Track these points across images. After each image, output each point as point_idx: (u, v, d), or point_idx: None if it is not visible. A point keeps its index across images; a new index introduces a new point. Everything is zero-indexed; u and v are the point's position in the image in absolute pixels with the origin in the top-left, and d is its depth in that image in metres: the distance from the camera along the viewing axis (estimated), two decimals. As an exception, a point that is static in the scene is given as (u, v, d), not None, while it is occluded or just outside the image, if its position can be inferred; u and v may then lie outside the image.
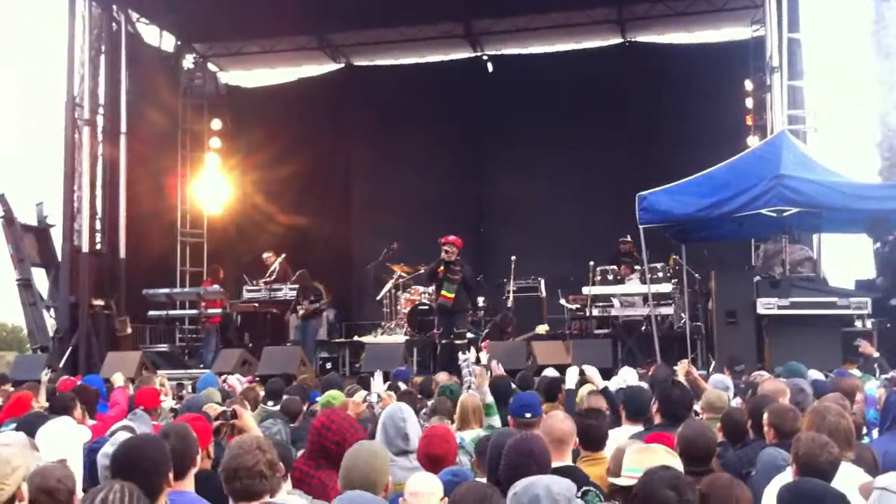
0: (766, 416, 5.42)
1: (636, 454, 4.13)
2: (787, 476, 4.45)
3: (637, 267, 15.52)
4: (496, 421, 6.59)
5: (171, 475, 3.88)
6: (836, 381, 7.72)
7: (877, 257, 12.00)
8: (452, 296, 13.71)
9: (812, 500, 3.60)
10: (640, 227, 12.22)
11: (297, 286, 16.15)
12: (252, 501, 3.75)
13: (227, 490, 3.90)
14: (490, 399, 6.74)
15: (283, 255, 17.08)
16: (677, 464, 4.07)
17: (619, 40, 20.18)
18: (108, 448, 4.23)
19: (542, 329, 15.72)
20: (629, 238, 15.80)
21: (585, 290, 15.45)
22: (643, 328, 14.84)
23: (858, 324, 12.40)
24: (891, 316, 11.92)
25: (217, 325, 17.17)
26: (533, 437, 4.46)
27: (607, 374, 9.88)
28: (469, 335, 13.92)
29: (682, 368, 8.88)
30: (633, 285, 15.49)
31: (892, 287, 11.78)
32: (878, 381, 8.13)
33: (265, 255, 17.32)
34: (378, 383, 7.80)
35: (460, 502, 3.55)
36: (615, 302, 15.44)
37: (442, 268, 13.76)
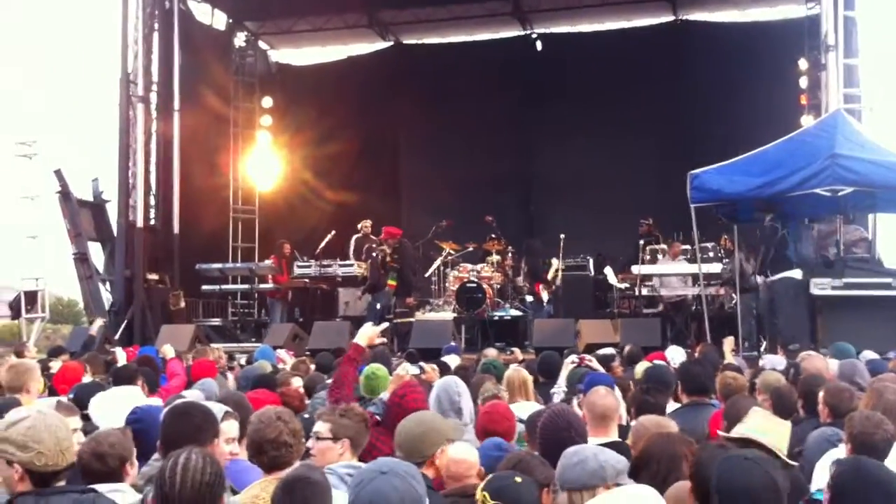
0: (821, 395, 5.39)
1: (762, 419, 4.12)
2: (838, 453, 4.43)
3: (654, 246, 15.78)
4: None
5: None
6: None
7: None
8: (395, 283, 15.25)
9: (878, 483, 3.17)
10: (692, 205, 12.10)
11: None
12: (281, 471, 3.82)
13: (256, 463, 4.01)
14: None
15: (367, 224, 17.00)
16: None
17: (670, 18, 19.93)
18: None
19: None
20: (650, 220, 16.34)
21: (635, 268, 15.40)
22: (693, 308, 14.76)
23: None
24: None
25: (278, 298, 17.31)
26: (567, 410, 4.52)
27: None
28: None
29: (728, 344, 8.86)
30: (679, 265, 15.39)
31: None
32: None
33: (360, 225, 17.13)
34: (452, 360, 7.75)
35: (502, 468, 3.75)
36: (656, 282, 15.35)
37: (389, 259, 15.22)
